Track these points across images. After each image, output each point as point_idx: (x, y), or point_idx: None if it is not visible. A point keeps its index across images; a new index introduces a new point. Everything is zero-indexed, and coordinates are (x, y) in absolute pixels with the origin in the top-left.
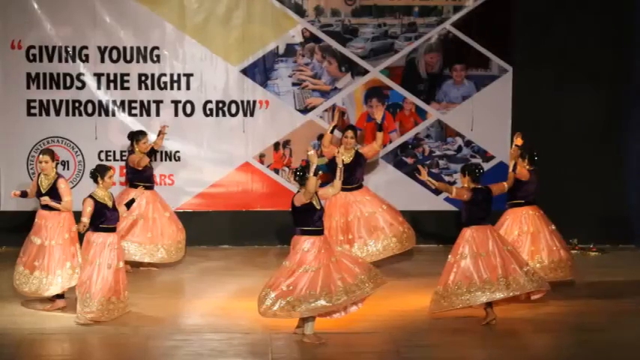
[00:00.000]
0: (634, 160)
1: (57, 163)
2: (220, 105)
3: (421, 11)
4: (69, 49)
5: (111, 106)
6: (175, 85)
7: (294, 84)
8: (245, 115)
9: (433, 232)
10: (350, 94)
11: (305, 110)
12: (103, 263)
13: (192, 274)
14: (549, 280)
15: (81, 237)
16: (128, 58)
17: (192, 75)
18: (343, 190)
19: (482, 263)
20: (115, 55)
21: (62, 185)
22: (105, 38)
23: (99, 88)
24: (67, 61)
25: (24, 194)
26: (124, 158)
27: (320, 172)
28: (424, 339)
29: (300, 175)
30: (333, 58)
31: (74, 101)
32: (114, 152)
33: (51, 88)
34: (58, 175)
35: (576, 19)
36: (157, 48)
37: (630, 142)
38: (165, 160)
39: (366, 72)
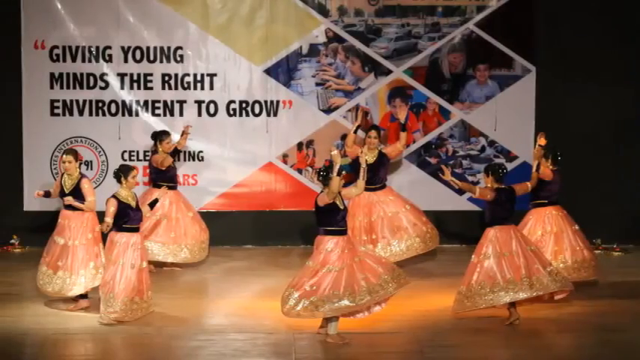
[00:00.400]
0: None
1: (80, 163)
2: (244, 105)
3: (445, 11)
4: (92, 49)
5: (134, 106)
6: (199, 85)
7: (317, 84)
8: (268, 115)
9: (456, 232)
10: (373, 94)
11: (328, 110)
12: (127, 263)
13: (215, 274)
14: (573, 280)
15: (104, 237)
16: (151, 58)
17: (215, 75)
18: (366, 190)
19: (506, 263)
20: (138, 55)
21: (85, 185)
22: (128, 38)
23: (122, 88)
24: (90, 61)
25: (47, 194)
26: (148, 158)
27: (343, 172)
28: (447, 339)
29: (324, 175)
30: (356, 58)
31: (97, 101)
32: (137, 152)
33: (74, 88)
34: (82, 175)
35: (598, 18)
36: (181, 48)
37: None
38: (189, 160)
39: (389, 72)
